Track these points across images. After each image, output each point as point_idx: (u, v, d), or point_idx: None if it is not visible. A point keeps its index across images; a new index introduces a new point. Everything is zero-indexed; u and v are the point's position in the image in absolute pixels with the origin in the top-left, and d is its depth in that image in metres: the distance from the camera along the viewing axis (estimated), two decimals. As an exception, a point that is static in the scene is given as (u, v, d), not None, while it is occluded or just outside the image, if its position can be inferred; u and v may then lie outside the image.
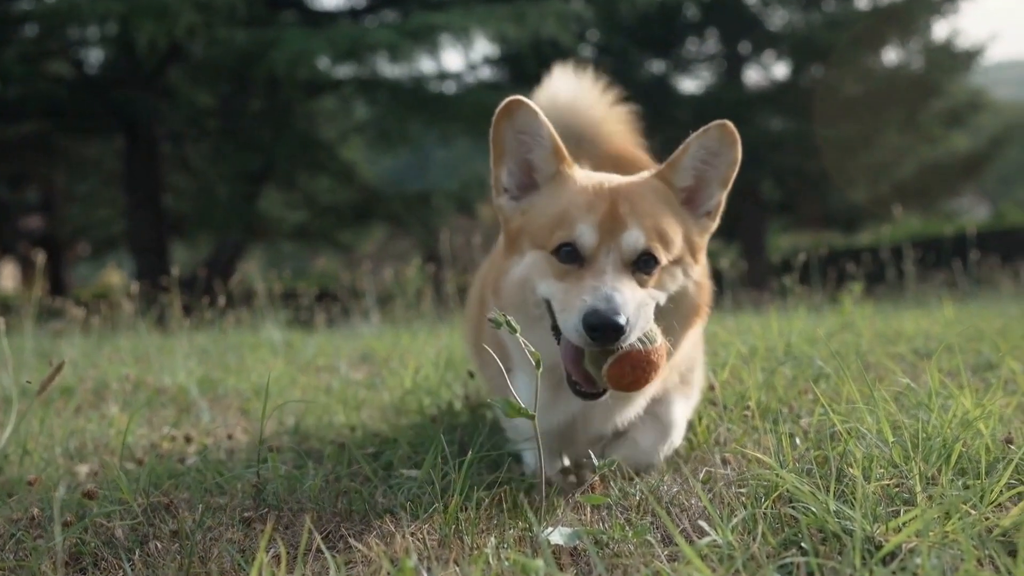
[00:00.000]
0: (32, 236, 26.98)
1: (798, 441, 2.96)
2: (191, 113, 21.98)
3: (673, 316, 2.71)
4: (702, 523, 2.29)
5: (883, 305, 9.07)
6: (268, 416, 3.20)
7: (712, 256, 2.93)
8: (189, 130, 22.33)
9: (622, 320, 2.39)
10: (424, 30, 17.63)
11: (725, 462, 2.99)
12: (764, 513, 2.28)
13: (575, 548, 2.22)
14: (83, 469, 3.52)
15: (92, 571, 2.36)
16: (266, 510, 2.70)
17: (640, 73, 26.68)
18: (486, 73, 24.69)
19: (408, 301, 10.23)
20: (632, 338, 2.44)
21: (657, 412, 3.00)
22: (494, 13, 17.64)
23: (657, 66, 27.82)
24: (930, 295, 10.28)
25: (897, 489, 2.39)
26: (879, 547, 2.01)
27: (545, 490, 2.49)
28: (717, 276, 3.09)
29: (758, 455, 2.69)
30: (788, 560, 2.00)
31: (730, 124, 2.73)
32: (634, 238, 2.60)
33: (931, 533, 2.02)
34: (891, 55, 28.33)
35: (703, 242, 2.86)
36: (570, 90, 3.65)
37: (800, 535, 2.11)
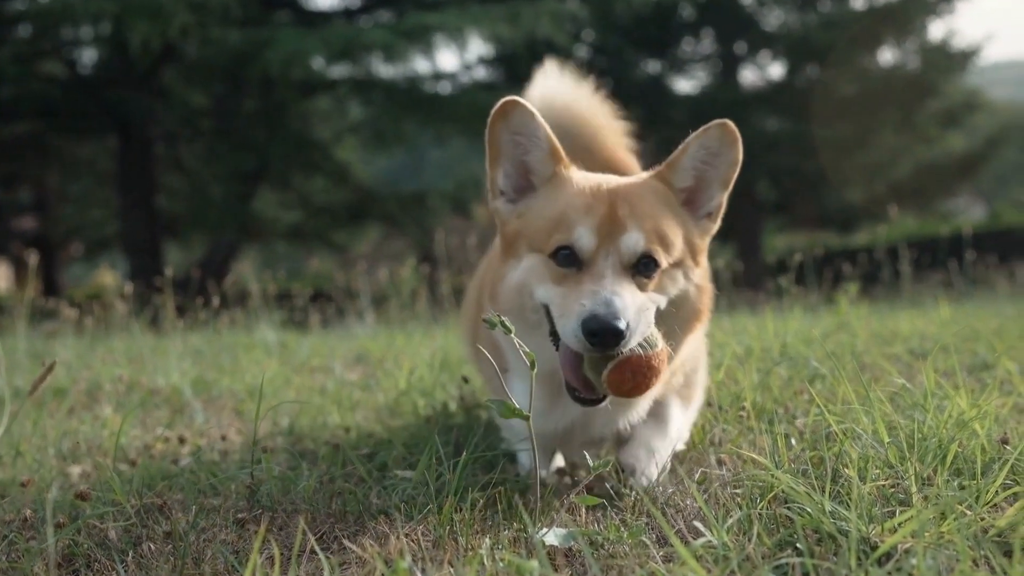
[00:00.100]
0: (25, 236, 26.92)
1: (793, 442, 2.95)
2: (185, 113, 21.97)
3: (674, 320, 2.67)
4: (697, 524, 2.29)
5: (879, 305, 9.09)
6: (262, 417, 3.20)
7: (708, 257, 2.89)
8: (183, 130, 22.31)
9: (622, 325, 2.34)
10: (419, 30, 17.64)
11: (720, 463, 2.99)
12: (759, 514, 2.27)
13: (570, 549, 2.21)
14: (76, 470, 3.50)
15: (85, 572, 2.35)
16: (260, 511, 2.69)
17: (636, 73, 26.74)
18: (481, 73, 24.77)
19: (403, 302, 10.22)
20: (633, 343, 2.40)
21: (657, 416, 2.95)
22: (488, 13, 17.65)
23: (653, 66, 27.85)
24: (926, 295, 10.30)
25: (893, 490, 2.39)
26: (874, 548, 2.01)
27: (540, 491, 2.48)
28: (713, 276, 3.03)
29: (754, 456, 2.69)
30: (783, 561, 1.99)
31: (730, 123, 2.68)
32: (633, 240, 2.55)
33: (927, 534, 2.01)
34: (887, 55, 28.42)
35: (704, 244, 2.81)
36: (568, 93, 3.59)
37: (795, 536, 2.10)
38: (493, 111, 2.71)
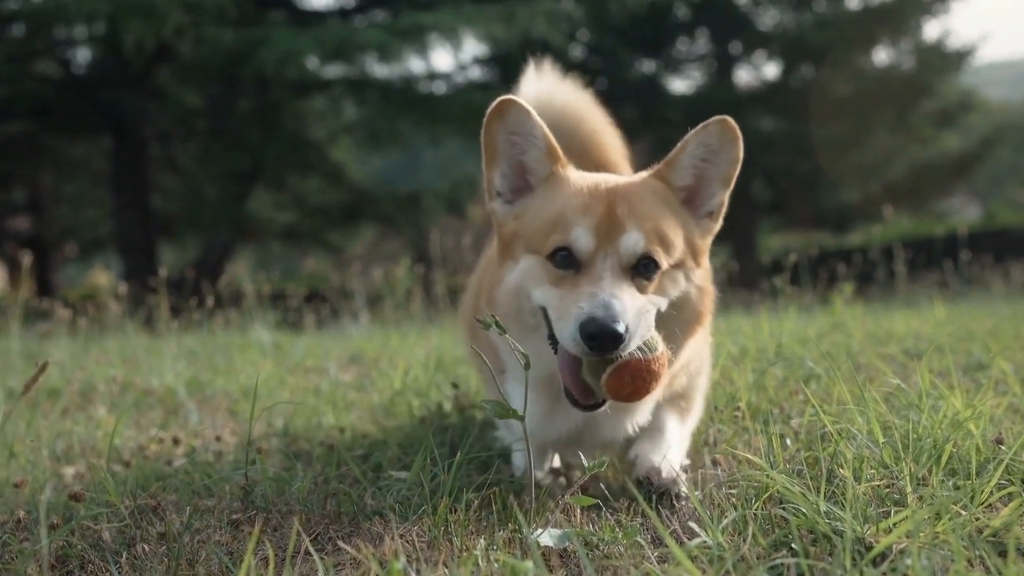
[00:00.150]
0: (19, 237, 26.83)
1: (788, 442, 2.95)
2: (179, 113, 21.92)
3: (675, 323, 2.61)
4: (692, 524, 2.29)
5: (874, 306, 9.10)
6: (256, 418, 3.19)
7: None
8: (177, 130, 22.26)
9: (621, 328, 2.29)
10: (413, 30, 17.61)
11: (715, 463, 2.99)
12: (754, 514, 2.27)
13: (565, 550, 2.21)
14: (70, 471, 3.49)
15: (79, 574, 2.34)
16: (254, 512, 2.68)
17: (630, 73, 26.73)
18: (476, 73, 24.73)
19: (398, 302, 10.22)
20: (632, 347, 2.35)
21: (654, 428, 2.88)
22: (483, 13, 17.64)
23: (647, 66, 27.85)
24: (921, 295, 10.31)
25: (887, 490, 2.39)
26: (869, 548, 2.01)
27: (535, 491, 2.48)
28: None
29: (749, 456, 2.68)
30: (778, 561, 1.99)
31: (730, 120, 2.63)
32: (633, 241, 2.49)
33: (921, 534, 2.01)
34: (882, 55, 28.47)
35: (705, 244, 2.75)
36: (566, 93, 3.54)
37: (790, 536, 2.10)
38: (489, 110, 2.66)
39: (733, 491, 2.58)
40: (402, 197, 24.38)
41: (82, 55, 21.31)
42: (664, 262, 2.54)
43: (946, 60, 26.91)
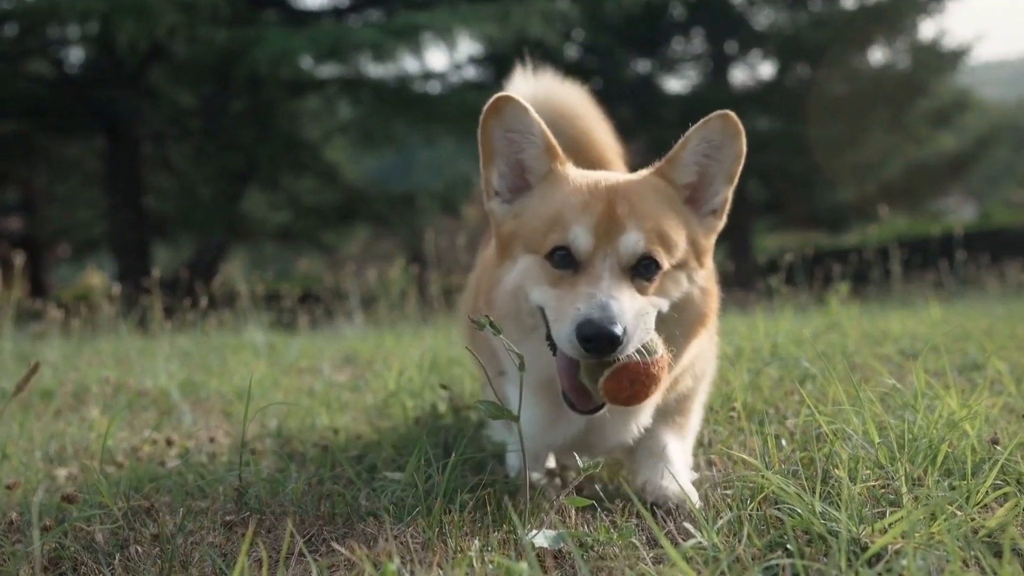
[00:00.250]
0: (12, 237, 26.76)
1: (784, 442, 2.95)
2: (173, 113, 21.90)
3: (677, 325, 2.54)
4: (687, 525, 2.28)
5: (869, 305, 9.11)
6: (250, 419, 3.18)
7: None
8: (171, 130, 22.23)
9: (618, 330, 2.23)
10: (408, 29, 17.61)
11: (711, 463, 2.99)
12: (750, 515, 2.27)
13: (559, 551, 2.20)
14: (63, 473, 3.48)
15: (71, 576, 2.33)
16: (248, 514, 2.67)
17: (626, 73, 26.75)
18: (471, 73, 24.74)
19: (392, 302, 10.21)
20: (630, 349, 2.29)
21: (654, 443, 2.81)
22: (478, 13, 17.64)
23: (643, 66, 27.88)
24: (916, 295, 10.33)
25: (883, 490, 2.38)
26: (865, 548, 2.01)
27: (529, 492, 2.47)
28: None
29: (744, 456, 2.68)
30: (774, 562, 1.99)
31: (732, 114, 2.56)
32: (633, 241, 2.43)
33: (917, 534, 2.01)
34: (877, 55, 28.56)
35: (709, 244, 2.69)
36: (560, 91, 3.47)
37: (786, 537, 2.10)
38: (485, 107, 2.61)
39: (728, 492, 2.58)
40: (396, 197, 24.38)
41: (75, 55, 21.30)
42: (665, 262, 2.48)
43: (942, 60, 26.98)
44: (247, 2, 19.27)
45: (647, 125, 23.80)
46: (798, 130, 24.45)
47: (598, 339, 2.23)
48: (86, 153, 24.41)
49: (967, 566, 1.94)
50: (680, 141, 2.62)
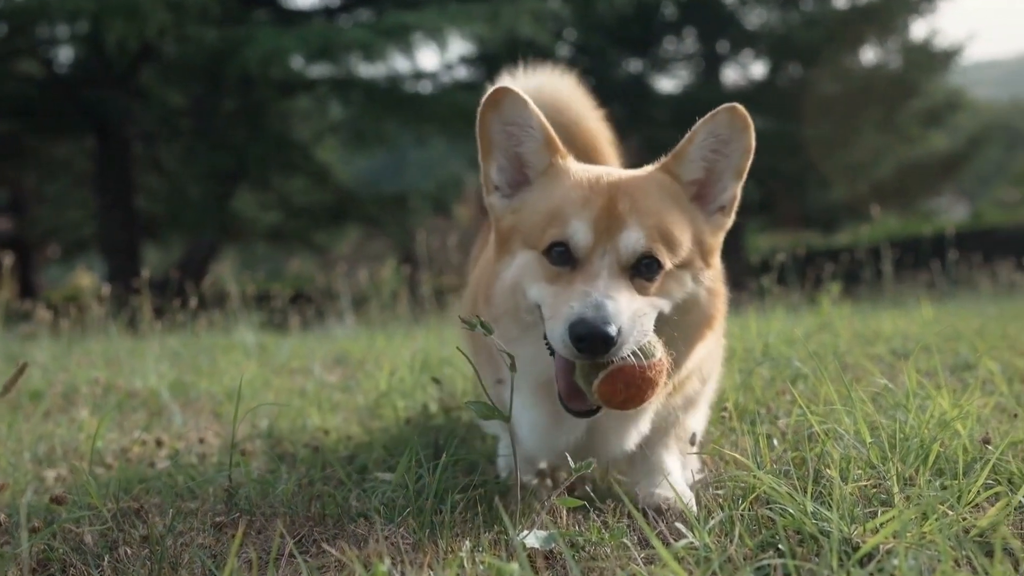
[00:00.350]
0: (1, 238, 26.68)
1: (775, 442, 2.95)
2: (163, 113, 21.84)
3: (682, 327, 2.46)
4: (679, 525, 2.28)
5: (861, 305, 9.13)
6: (240, 419, 3.17)
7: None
8: (161, 130, 22.18)
9: (612, 331, 2.16)
10: (398, 29, 17.59)
11: (702, 464, 2.98)
12: (741, 515, 2.26)
13: (550, 551, 2.19)
14: (51, 474, 3.46)
15: (59, 578, 2.32)
16: (238, 515, 2.66)
17: (618, 72, 26.79)
18: (462, 73, 24.72)
19: (383, 303, 10.20)
20: (624, 351, 2.21)
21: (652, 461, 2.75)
22: (468, 12, 17.62)
23: (635, 65, 27.93)
24: (908, 295, 10.35)
25: (875, 490, 2.38)
26: (856, 548, 2.00)
27: (520, 493, 2.46)
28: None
29: (736, 456, 2.68)
30: (765, 562, 1.99)
31: (740, 107, 2.48)
32: (633, 239, 2.36)
33: (908, 534, 2.01)
34: (869, 54, 28.67)
35: (717, 242, 2.60)
36: (550, 83, 3.39)
37: (777, 537, 2.09)
38: (483, 100, 2.54)
39: (720, 492, 2.58)
40: (388, 197, 24.37)
41: (64, 54, 21.22)
42: (668, 262, 2.41)
43: (933, 59, 27.08)
44: (237, 2, 19.23)
45: (639, 125, 23.80)
46: (790, 130, 24.51)
47: (591, 339, 2.17)
48: (76, 153, 24.33)
49: (958, 566, 1.94)
50: (687, 136, 2.54)
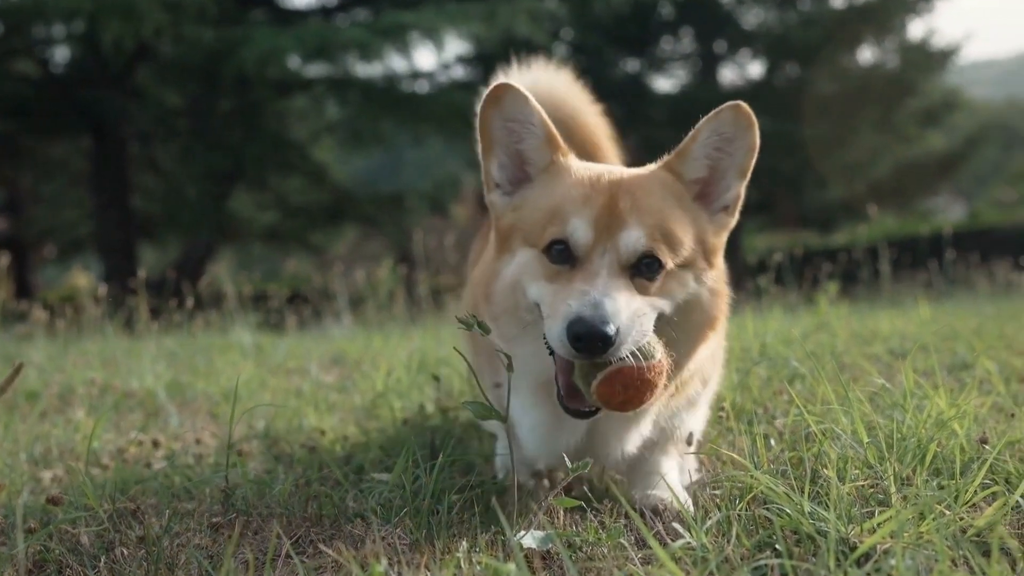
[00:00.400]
0: (-3, 238, 26.65)
1: (773, 442, 2.95)
2: (160, 113, 21.81)
3: (683, 328, 2.44)
4: (676, 525, 2.27)
5: (859, 305, 9.12)
6: (237, 420, 3.16)
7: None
8: (158, 130, 22.14)
9: (610, 330, 2.14)
10: (395, 29, 17.59)
11: (700, 464, 2.98)
12: (738, 515, 2.26)
13: (548, 552, 2.19)
14: (48, 475, 3.46)
15: (55, 579, 2.31)
16: (234, 515, 2.66)
17: (615, 72, 26.79)
18: (459, 72, 24.70)
19: (380, 303, 10.19)
20: (623, 351, 2.19)
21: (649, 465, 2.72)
22: (465, 12, 17.62)
23: (632, 65, 27.93)
24: (906, 295, 10.35)
25: (872, 490, 2.38)
26: (853, 548, 2.00)
27: (517, 493, 2.46)
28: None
29: (733, 456, 2.67)
30: (762, 562, 1.99)
31: (744, 105, 2.46)
32: (634, 238, 2.34)
33: (905, 534, 2.01)
34: (866, 54, 28.71)
35: (720, 243, 2.58)
36: (548, 78, 3.39)
37: (774, 537, 2.09)
38: (484, 96, 2.52)
39: (717, 492, 2.58)
40: (385, 197, 24.37)
41: (60, 54, 21.19)
42: (669, 261, 2.38)
43: (930, 59, 27.12)
44: (234, 2, 19.22)
45: (636, 125, 23.78)
46: (787, 130, 24.49)
47: (589, 338, 2.15)
48: (72, 153, 24.29)
49: (955, 565, 1.94)
50: (690, 134, 2.51)
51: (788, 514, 2.15)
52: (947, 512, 2.18)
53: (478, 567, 2.06)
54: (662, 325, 2.38)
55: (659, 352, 2.28)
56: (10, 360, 6.48)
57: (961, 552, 1.98)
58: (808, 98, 24.56)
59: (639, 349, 2.23)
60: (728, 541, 2.11)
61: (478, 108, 2.55)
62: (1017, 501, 2.24)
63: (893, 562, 1.86)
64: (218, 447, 3.82)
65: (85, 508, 2.71)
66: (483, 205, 2.72)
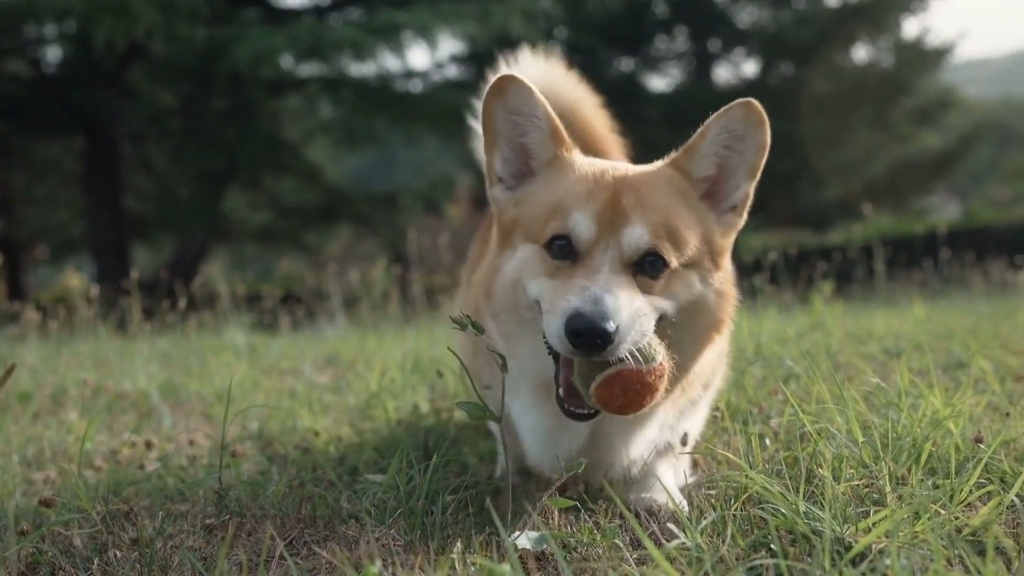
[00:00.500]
0: (-11, 239, 26.56)
1: (768, 442, 2.95)
2: (152, 112, 21.81)
3: (687, 330, 2.39)
4: (671, 526, 2.27)
5: (853, 304, 9.13)
6: (231, 421, 3.16)
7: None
8: (150, 130, 22.14)
9: (610, 327, 2.08)
10: (388, 28, 17.59)
11: (694, 464, 2.97)
12: (733, 515, 2.26)
13: (542, 552, 2.18)
14: (40, 476, 3.45)
15: (48, 582, 2.30)
16: (228, 517, 2.65)
17: (609, 71, 26.80)
18: (453, 71, 24.71)
19: (374, 303, 10.19)
20: (622, 350, 2.14)
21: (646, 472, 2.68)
22: (458, 11, 17.64)
23: (626, 64, 27.95)
24: (901, 294, 10.37)
25: (867, 489, 2.38)
26: (848, 548, 2.00)
27: (512, 494, 2.45)
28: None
29: (728, 456, 2.67)
30: (757, 562, 1.98)
31: (755, 102, 2.42)
32: (637, 235, 2.28)
33: (901, 533, 2.00)
34: (861, 53, 28.75)
35: (727, 243, 2.52)
36: (542, 69, 3.32)
37: (769, 537, 2.09)
38: (487, 88, 2.47)
39: (712, 491, 2.57)
40: (378, 197, 24.37)
41: (52, 54, 21.16)
42: (673, 260, 2.33)
43: (925, 58, 27.18)
44: (226, 1, 19.19)
45: (631, 124, 23.69)
46: (782, 129, 24.40)
47: (588, 334, 2.09)
48: (64, 153, 24.26)
49: (951, 565, 1.94)
50: (699, 131, 2.46)
51: (783, 514, 2.15)
52: (942, 511, 2.18)
53: (472, 568, 2.06)
54: (665, 327, 2.34)
55: (660, 355, 2.24)
56: (2, 361, 6.45)
57: (956, 551, 1.97)
58: (803, 97, 24.60)
59: (640, 351, 2.18)
60: (723, 541, 2.11)
61: (481, 100, 2.51)
62: (1012, 500, 2.23)
63: (888, 562, 1.86)
64: (211, 448, 3.81)
65: (78, 510, 2.70)
66: (478, 205, 2.71)
